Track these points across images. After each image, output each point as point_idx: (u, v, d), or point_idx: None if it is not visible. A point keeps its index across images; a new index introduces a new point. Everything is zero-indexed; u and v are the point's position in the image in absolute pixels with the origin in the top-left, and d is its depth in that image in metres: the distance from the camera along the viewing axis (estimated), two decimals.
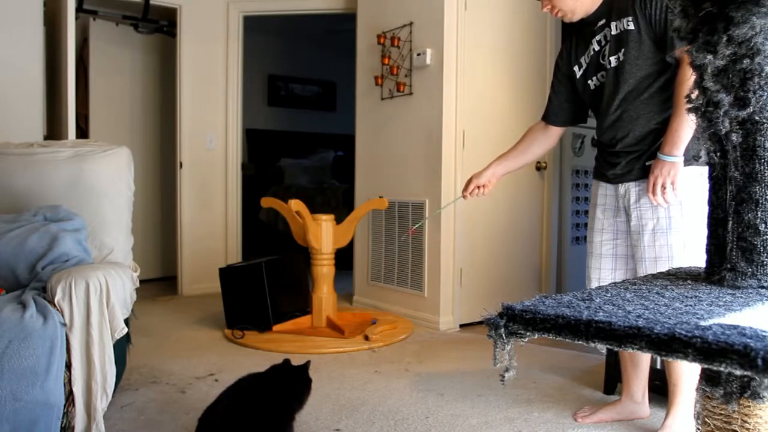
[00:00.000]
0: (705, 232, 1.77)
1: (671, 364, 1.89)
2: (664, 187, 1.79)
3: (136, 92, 4.86)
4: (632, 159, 1.91)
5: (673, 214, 1.83)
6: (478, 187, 2.19)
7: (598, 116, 2.01)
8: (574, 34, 2.05)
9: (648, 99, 1.85)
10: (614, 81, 1.89)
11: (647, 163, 1.87)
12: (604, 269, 2.02)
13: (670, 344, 0.68)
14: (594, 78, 1.98)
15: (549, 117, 2.18)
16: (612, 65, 1.89)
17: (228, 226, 4.60)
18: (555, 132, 2.19)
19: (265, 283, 3.21)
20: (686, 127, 1.74)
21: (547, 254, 3.90)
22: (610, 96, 1.91)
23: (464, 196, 2.23)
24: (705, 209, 1.77)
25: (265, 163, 6.45)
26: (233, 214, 4.63)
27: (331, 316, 3.35)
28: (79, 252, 2.08)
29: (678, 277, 1.13)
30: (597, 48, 1.95)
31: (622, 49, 1.85)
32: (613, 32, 1.87)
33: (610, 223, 2.01)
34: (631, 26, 1.83)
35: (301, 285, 3.56)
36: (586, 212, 4.13)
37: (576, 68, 2.03)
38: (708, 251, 1.05)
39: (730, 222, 0.98)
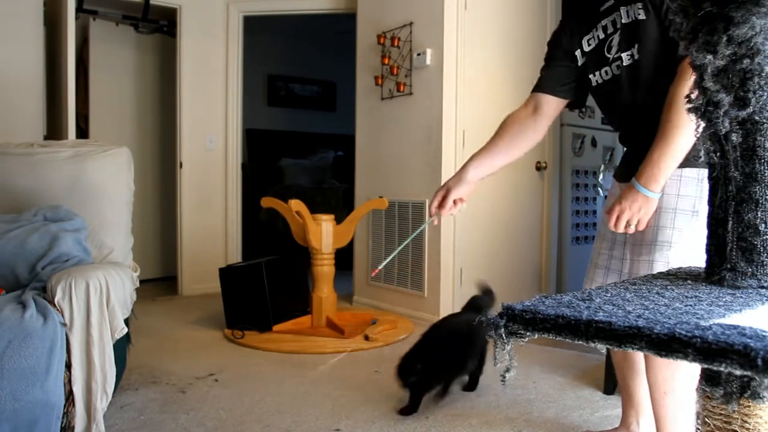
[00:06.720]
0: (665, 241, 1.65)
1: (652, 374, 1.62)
2: (629, 224, 1.46)
3: (136, 92, 4.86)
4: (625, 159, 1.73)
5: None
6: (455, 201, 1.75)
7: (607, 116, 1.78)
8: (575, 19, 1.68)
9: (654, 105, 1.49)
10: (629, 87, 1.55)
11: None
12: (596, 281, 1.75)
13: (670, 344, 0.68)
14: (597, 73, 1.63)
15: (546, 86, 1.71)
16: (625, 64, 1.53)
17: (228, 227, 4.60)
18: (546, 118, 1.73)
19: (265, 283, 3.21)
20: (673, 155, 1.38)
21: (547, 254, 3.89)
22: (624, 104, 1.59)
23: (431, 214, 1.80)
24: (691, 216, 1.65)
25: (265, 163, 6.45)
26: (233, 215, 4.63)
27: (331, 316, 3.35)
28: (79, 252, 2.08)
29: (678, 277, 1.13)
30: (602, 36, 1.58)
31: (636, 45, 1.50)
32: (624, 20, 1.51)
33: (610, 231, 1.63)
34: (642, 15, 1.46)
35: (301, 285, 3.56)
36: (586, 212, 4.15)
37: (578, 53, 1.66)
38: (708, 251, 1.05)
39: (730, 222, 0.98)
